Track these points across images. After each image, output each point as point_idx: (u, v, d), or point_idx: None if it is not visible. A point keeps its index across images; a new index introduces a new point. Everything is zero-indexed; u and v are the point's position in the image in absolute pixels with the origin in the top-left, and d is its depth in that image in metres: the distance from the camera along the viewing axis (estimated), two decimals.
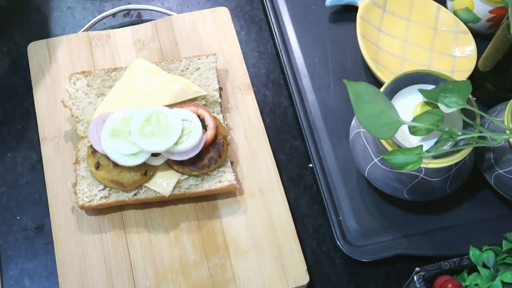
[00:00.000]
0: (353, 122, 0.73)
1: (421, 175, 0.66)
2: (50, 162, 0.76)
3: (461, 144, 0.65)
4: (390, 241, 0.73)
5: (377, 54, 0.82)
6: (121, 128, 0.71)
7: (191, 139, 0.70)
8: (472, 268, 0.65)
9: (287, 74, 0.83)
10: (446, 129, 0.63)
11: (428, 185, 0.68)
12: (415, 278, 0.64)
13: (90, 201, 0.71)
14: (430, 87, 0.69)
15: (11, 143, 0.79)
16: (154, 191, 0.72)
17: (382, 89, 0.67)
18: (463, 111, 0.64)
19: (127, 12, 0.89)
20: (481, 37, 0.83)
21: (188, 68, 0.78)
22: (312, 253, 0.74)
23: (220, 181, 0.72)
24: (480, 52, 0.81)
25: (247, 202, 0.74)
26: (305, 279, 0.71)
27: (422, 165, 0.62)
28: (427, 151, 0.62)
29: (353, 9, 0.86)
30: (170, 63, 0.79)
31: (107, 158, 0.71)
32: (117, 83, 0.77)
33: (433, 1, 0.86)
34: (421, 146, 0.61)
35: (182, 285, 0.70)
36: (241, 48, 0.84)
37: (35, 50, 0.83)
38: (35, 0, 0.90)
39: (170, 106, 0.74)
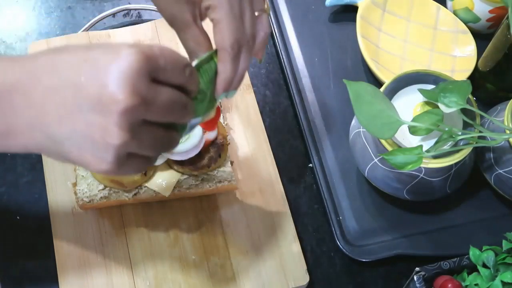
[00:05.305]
0: (353, 122, 0.73)
1: (421, 175, 0.66)
2: (50, 162, 0.76)
3: (461, 144, 0.65)
4: (390, 241, 0.73)
5: (377, 54, 0.82)
6: None
7: (191, 139, 0.70)
8: (472, 268, 0.65)
9: (287, 74, 0.83)
10: (446, 129, 0.63)
11: (428, 185, 0.68)
12: (415, 278, 0.64)
13: (90, 201, 0.71)
14: (430, 87, 0.69)
15: None
16: (154, 191, 0.72)
17: (382, 89, 0.67)
18: (463, 111, 0.64)
19: (127, 12, 0.89)
20: (481, 37, 0.83)
21: None
22: (312, 253, 0.74)
23: (220, 181, 0.72)
24: (480, 52, 0.81)
25: (247, 202, 0.74)
26: (305, 279, 0.71)
27: (422, 165, 0.62)
28: (427, 151, 0.62)
29: (353, 9, 0.86)
30: None
31: None
32: None
33: (433, 1, 0.86)
34: (421, 146, 0.61)
35: (182, 285, 0.70)
36: None
37: (35, 50, 0.83)
38: (35, 0, 0.90)
39: None
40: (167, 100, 0.44)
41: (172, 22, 0.54)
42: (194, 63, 0.50)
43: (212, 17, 0.51)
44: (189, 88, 0.47)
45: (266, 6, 0.55)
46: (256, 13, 0.54)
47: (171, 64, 0.44)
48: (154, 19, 0.86)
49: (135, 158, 0.45)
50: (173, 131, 0.47)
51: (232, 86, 0.52)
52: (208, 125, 0.69)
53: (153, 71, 0.43)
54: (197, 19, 0.53)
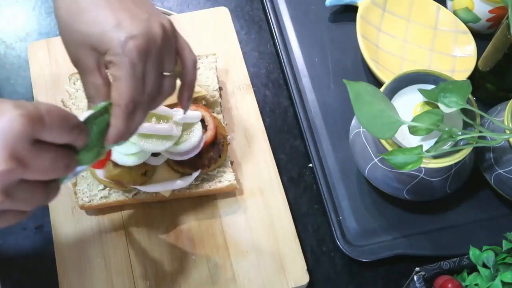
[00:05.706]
0: (353, 122, 0.73)
1: (421, 175, 0.66)
2: None
3: (461, 144, 0.65)
4: (390, 241, 0.73)
5: (377, 54, 0.82)
6: None
7: (191, 139, 0.70)
8: (472, 268, 0.65)
9: (287, 74, 0.83)
10: (446, 129, 0.63)
11: (428, 185, 0.68)
12: (415, 278, 0.64)
13: (90, 201, 0.71)
14: (430, 87, 0.69)
15: None
16: None
17: (382, 89, 0.67)
18: (463, 111, 0.64)
19: None
20: (481, 37, 0.83)
21: None
22: (312, 253, 0.74)
23: (220, 181, 0.72)
24: (480, 52, 0.81)
25: (247, 202, 0.74)
26: (305, 279, 0.71)
27: (422, 165, 0.62)
28: (427, 151, 0.62)
29: (353, 9, 0.86)
30: None
31: None
32: None
33: (433, 1, 0.86)
34: (421, 146, 0.61)
35: (182, 285, 0.70)
36: (241, 48, 0.84)
37: (35, 50, 0.83)
38: (35, 0, 0.90)
39: (170, 106, 0.74)
40: (49, 162, 0.43)
41: (77, 65, 0.53)
42: (88, 113, 0.49)
43: (112, 73, 0.50)
44: (76, 145, 0.46)
45: (177, 66, 0.55)
46: (167, 73, 0.53)
47: (57, 125, 0.43)
48: None
49: (8, 213, 0.44)
50: (53, 183, 0.46)
51: (122, 139, 0.51)
52: (97, 165, 0.65)
53: (37, 133, 0.42)
54: (101, 67, 0.53)
